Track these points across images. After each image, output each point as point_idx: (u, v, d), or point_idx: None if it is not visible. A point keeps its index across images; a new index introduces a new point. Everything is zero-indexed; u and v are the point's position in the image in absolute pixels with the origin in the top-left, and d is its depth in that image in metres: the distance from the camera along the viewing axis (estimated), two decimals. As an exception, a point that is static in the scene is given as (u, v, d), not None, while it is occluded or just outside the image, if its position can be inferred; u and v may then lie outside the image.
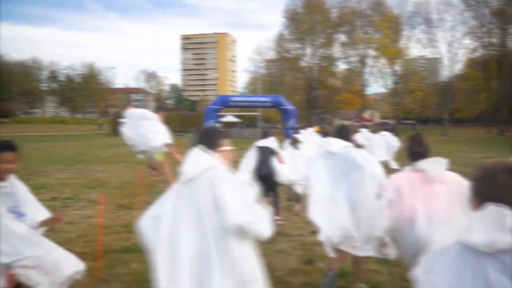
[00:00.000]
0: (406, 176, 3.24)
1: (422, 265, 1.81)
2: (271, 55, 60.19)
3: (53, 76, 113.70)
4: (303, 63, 57.18)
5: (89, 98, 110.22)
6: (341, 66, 59.35)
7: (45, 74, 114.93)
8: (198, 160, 2.68)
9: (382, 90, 58.89)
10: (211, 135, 2.86)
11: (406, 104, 47.97)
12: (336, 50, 57.90)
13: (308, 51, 56.66)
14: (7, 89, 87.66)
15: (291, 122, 29.45)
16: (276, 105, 29.93)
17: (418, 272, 1.80)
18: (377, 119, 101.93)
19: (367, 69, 56.59)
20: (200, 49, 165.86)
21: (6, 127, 61.55)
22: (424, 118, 76.97)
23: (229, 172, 2.69)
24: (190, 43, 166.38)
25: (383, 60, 50.78)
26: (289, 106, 29.68)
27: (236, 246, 2.49)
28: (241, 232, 2.47)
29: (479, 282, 1.52)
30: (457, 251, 1.64)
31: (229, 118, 58.40)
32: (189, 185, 2.62)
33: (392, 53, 47.65)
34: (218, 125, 30.96)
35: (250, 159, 6.85)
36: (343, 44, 56.82)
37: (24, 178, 2.95)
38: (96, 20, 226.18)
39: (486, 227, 1.57)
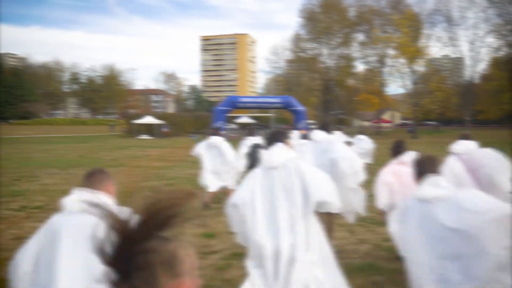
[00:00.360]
0: (393, 167, 4.63)
1: (395, 220, 3.11)
2: (288, 55, 59.38)
3: (75, 78, 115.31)
4: (320, 63, 56.10)
5: (109, 99, 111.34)
6: (359, 66, 58.04)
7: (66, 76, 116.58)
8: (281, 153, 3.41)
9: (402, 90, 57.52)
10: (280, 134, 3.62)
11: (425, 104, 46.40)
12: (354, 50, 56.66)
13: (325, 51, 55.60)
14: (30, 91, 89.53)
15: (302, 124, 28.67)
16: (286, 106, 29.21)
17: (393, 229, 3.10)
18: (397, 120, 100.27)
19: (386, 69, 55.14)
20: (219, 50, 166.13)
21: (26, 129, 62.80)
22: (445, 119, 74.84)
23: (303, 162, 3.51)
24: (210, 44, 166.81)
25: (402, 60, 49.26)
26: (300, 107, 28.92)
27: (313, 220, 3.26)
28: (324, 206, 3.27)
29: (431, 221, 2.76)
30: (415, 204, 2.93)
31: (244, 119, 58.17)
32: (273, 172, 3.34)
33: (412, 52, 46.17)
34: (228, 125, 30.07)
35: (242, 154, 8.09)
36: (361, 44, 55.55)
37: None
38: (120, 24, 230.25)
39: (430, 186, 2.88)
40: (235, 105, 28.76)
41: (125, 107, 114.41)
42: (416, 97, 47.07)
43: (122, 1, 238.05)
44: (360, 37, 55.55)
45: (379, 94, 57.55)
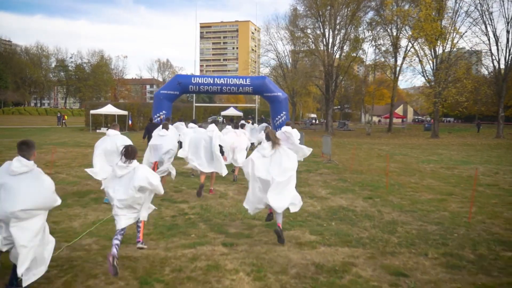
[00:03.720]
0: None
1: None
2: (283, 35, 49.99)
3: (61, 65, 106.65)
4: (321, 46, 46.64)
5: (96, 88, 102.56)
6: (369, 51, 48.36)
7: (51, 62, 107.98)
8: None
9: (417, 83, 48.24)
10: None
11: (450, 95, 36.81)
12: (363, 30, 47.09)
13: (328, 31, 45.99)
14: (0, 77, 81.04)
15: (282, 115, 19.59)
16: (258, 90, 20.11)
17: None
18: (410, 116, 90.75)
19: (400, 54, 45.50)
20: (219, 39, 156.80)
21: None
22: (466, 115, 65.18)
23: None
24: (209, 32, 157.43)
25: (421, 40, 39.68)
26: (278, 93, 19.79)
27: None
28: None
29: None
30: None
31: (231, 110, 49.48)
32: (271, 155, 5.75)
33: (434, 30, 36.64)
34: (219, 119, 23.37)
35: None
36: (371, 23, 45.84)
37: None
38: (124, 13, 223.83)
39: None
40: (185, 87, 19.72)
41: (115, 97, 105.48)
42: (439, 86, 37.45)
43: None
44: (370, 14, 45.98)
45: (390, 84, 48.36)
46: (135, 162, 4.72)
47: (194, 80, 19.75)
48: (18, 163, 3.89)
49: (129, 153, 4.72)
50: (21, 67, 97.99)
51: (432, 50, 39.60)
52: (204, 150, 8.78)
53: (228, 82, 19.92)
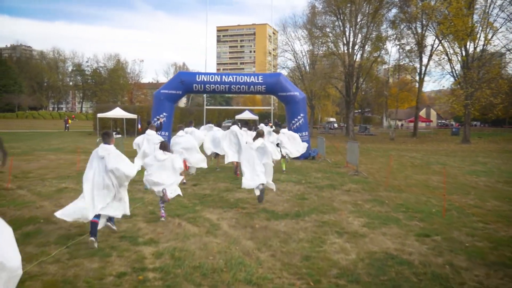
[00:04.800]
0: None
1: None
2: (300, 35, 47.30)
3: (77, 70, 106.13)
4: (341, 45, 43.89)
5: (112, 92, 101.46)
6: (392, 50, 45.27)
7: (68, 66, 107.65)
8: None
9: (445, 84, 45.04)
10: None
11: (483, 96, 33.60)
12: (386, 28, 44.16)
13: (348, 30, 43.18)
14: (15, 81, 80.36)
15: (300, 118, 17.08)
16: (272, 89, 17.62)
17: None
18: (434, 119, 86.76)
19: (426, 55, 42.39)
20: (236, 42, 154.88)
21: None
22: (493, 119, 61.40)
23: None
24: (226, 35, 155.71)
25: (450, 37, 36.59)
26: (295, 92, 17.27)
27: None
28: None
29: None
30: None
31: (246, 114, 47.05)
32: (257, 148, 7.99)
33: (465, 24, 33.58)
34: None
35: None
36: (394, 20, 42.84)
37: None
38: (144, 19, 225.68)
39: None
40: (189, 86, 17.31)
41: (131, 101, 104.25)
42: (471, 87, 34.26)
43: None
44: (394, 11, 43.08)
45: (414, 86, 45.28)
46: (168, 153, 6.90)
47: (198, 78, 17.27)
48: (102, 148, 5.63)
49: (164, 147, 6.93)
50: (38, 71, 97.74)
51: (463, 47, 36.49)
52: (235, 144, 11.78)
53: (238, 80, 17.40)
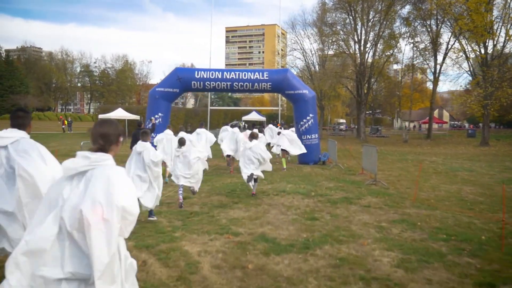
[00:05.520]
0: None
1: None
2: (310, 32, 45.48)
3: (85, 71, 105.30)
4: (352, 43, 42.05)
5: (119, 93, 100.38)
6: (406, 49, 43.29)
7: (75, 67, 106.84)
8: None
9: (461, 85, 42.97)
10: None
11: (504, 96, 31.55)
12: (399, 26, 42.25)
13: (360, 27, 41.32)
14: (22, 81, 79.55)
15: (309, 119, 15.43)
16: (278, 87, 15.99)
17: None
18: (447, 121, 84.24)
19: (441, 53, 40.37)
20: (245, 43, 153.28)
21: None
22: (508, 120, 59.10)
23: None
24: (235, 36, 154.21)
25: (468, 34, 34.58)
26: (304, 90, 15.59)
27: None
28: None
29: None
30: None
31: (253, 115, 45.40)
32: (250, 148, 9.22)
33: (484, 19, 31.61)
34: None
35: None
36: (407, 18, 40.91)
37: None
38: (153, 21, 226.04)
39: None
40: (187, 84, 15.72)
41: (138, 102, 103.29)
42: (490, 86, 32.21)
43: None
44: (407, 8, 41.17)
45: (426, 86, 43.24)
46: (184, 147, 8.00)
47: (197, 75, 15.65)
48: (140, 145, 6.60)
49: (182, 143, 8.08)
50: (45, 72, 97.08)
51: (482, 44, 34.52)
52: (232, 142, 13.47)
53: (241, 77, 15.75)
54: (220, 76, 15.78)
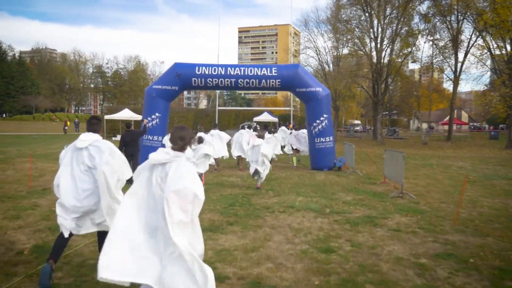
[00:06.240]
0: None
1: None
2: (323, 30, 43.67)
3: (98, 71, 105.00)
4: (368, 41, 40.17)
5: (132, 94, 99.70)
6: (425, 48, 41.20)
7: (88, 68, 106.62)
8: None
9: (485, 84, 40.90)
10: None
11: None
12: (417, 23, 40.25)
13: (376, 24, 39.41)
14: (33, 82, 79.30)
15: (322, 120, 13.79)
16: (288, 84, 14.37)
17: None
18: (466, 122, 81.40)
19: (461, 51, 38.21)
20: (258, 43, 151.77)
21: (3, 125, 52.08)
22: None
23: None
24: (248, 36, 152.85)
25: (492, 31, 32.47)
26: (317, 87, 13.94)
27: None
28: None
29: None
30: None
31: (265, 116, 43.74)
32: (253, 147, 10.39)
33: (510, 14, 29.55)
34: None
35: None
36: (426, 14, 38.86)
37: None
38: (168, 22, 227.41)
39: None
40: (187, 80, 14.18)
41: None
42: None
43: (169, 0, 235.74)
44: (426, 3, 39.17)
45: (445, 85, 41.04)
46: (201, 145, 9.66)
47: (198, 71, 14.08)
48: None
49: (199, 140, 9.84)
50: (58, 73, 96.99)
51: (509, 40, 32.44)
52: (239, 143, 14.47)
53: (246, 73, 14.14)
54: (223, 72, 14.20)
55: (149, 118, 13.95)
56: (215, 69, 14.16)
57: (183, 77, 14.11)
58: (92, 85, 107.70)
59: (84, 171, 4.06)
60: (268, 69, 14.17)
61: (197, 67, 14.26)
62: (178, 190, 2.85)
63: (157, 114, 14.08)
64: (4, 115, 73.61)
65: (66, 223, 4.00)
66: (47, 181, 10.48)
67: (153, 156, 3.09)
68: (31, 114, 73.90)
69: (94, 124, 4.32)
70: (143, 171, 3.16)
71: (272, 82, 14.04)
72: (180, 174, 2.94)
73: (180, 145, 3.17)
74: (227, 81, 14.20)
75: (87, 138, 4.16)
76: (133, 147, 10.44)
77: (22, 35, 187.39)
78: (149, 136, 13.78)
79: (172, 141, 3.20)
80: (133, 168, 12.70)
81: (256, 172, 10.03)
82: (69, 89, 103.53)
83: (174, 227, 2.84)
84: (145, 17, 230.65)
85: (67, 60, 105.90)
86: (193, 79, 14.19)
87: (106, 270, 2.85)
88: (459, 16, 37.44)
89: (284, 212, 7.46)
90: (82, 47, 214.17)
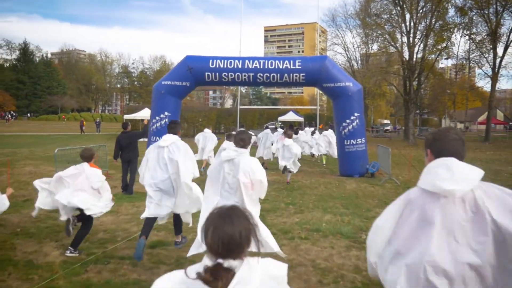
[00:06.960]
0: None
1: None
2: (352, 25, 41.59)
3: (124, 72, 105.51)
4: (399, 36, 37.88)
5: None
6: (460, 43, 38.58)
7: (114, 68, 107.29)
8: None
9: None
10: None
11: None
12: (452, 16, 37.75)
13: (408, 18, 37.08)
14: (59, 82, 79.98)
15: (353, 119, 12.01)
16: (314, 78, 12.60)
17: None
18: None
19: (500, 46, 35.48)
20: (285, 42, 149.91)
21: (27, 124, 52.22)
22: None
23: None
24: (274, 35, 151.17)
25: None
26: (348, 82, 12.13)
27: None
28: None
29: None
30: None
31: (290, 115, 42.02)
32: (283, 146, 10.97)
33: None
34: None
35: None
36: (462, 7, 36.31)
37: None
38: (194, 23, 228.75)
39: None
40: (200, 75, 12.65)
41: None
42: None
43: (196, 1, 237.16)
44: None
45: (479, 83, 38.25)
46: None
47: (212, 64, 12.53)
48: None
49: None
50: (84, 73, 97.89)
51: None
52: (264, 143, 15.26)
53: (267, 67, 12.49)
54: (240, 66, 12.59)
55: (157, 118, 12.51)
56: (231, 62, 12.57)
57: (195, 71, 12.58)
58: (118, 85, 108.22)
59: (163, 165, 5.00)
60: (292, 61, 12.47)
61: (211, 60, 12.69)
62: (251, 179, 3.97)
63: (166, 113, 12.61)
64: (29, 115, 74.29)
65: (151, 206, 4.92)
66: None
67: (225, 154, 4.17)
68: (57, 114, 74.44)
69: (172, 128, 5.23)
70: (215, 169, 4.29)
71: (296, 76, 12.33)
72: (250, 166, 4.02)
73: (241, 144, 4.20)
74: (245, 75, 12.57)
75: (169, 139, 5.12)
76: (131, 152, 9.00)
77: (54, 37, 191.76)
78: (157, 138, 12.33)
79: (235, 143, 4.26)
80: (131, 175, 10.39)
81: (285, 169, 10.75)
82: (95, 89, 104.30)
83: (249, 202, 4.00)
84: (172, 18, 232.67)
85: (94, 61, 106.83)
86: (206, 73, 12.63)
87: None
88: (499, 8, 34.82)
89: (307, 239, 5.77)
90: (109, 48, 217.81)
